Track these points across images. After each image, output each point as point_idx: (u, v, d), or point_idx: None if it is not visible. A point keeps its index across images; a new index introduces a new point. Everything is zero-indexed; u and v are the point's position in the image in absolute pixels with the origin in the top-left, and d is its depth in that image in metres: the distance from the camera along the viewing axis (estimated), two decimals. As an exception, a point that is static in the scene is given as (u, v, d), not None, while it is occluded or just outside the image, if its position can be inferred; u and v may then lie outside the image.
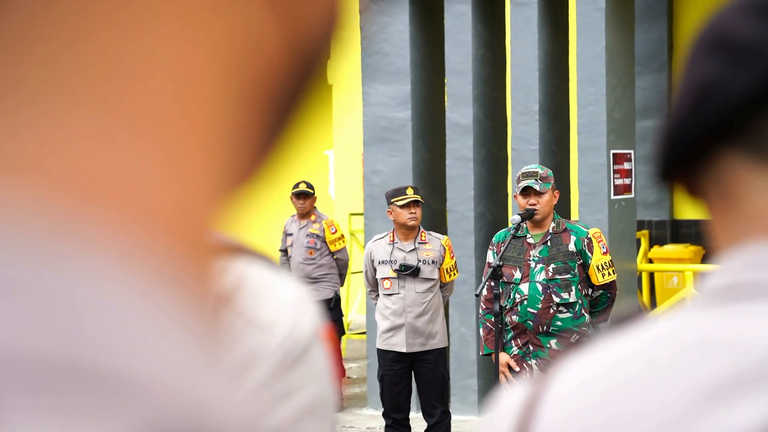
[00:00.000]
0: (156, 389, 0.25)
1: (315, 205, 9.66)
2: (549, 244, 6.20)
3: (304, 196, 9.42)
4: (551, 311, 6.12)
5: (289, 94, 0.34)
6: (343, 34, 0.36)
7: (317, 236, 9.43)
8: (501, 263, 6.16)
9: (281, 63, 0.32)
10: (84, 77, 0.27)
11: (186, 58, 0.29)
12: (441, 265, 7.03)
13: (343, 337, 10.62)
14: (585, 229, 6.25)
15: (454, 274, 7.16)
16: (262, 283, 0.82)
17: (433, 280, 7.01)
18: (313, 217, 9.52)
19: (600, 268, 6.16)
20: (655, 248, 12.35)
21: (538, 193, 6.20)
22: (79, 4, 0.28)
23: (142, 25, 0.28)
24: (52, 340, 0.25)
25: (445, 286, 7.13)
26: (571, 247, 6.16)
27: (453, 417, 7.67)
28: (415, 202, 6.95)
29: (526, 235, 6.26)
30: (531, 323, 6.14)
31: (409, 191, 6.98)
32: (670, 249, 12.22)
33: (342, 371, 10.04)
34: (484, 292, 6.27)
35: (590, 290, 6.22)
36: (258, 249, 0.85)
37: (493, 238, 6.45)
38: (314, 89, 0.36)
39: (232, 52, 0.30)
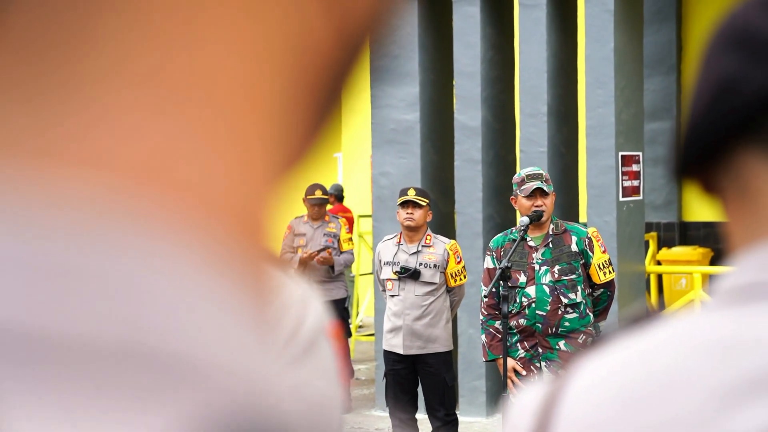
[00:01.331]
0: (218, 373, 0.26)
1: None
2: (551, 245, 6.20)
3: (321, 202, 9.41)
4: (560, 312, 6.12)
5: (335, 82, 0.35)
6: (388, 25, 0.36)
7: (334, 235, 9.43)
8: (510, 265, 6.15)
9: (330, 52, 0.33)
10: (153, 72, 0.28)
11: (246, 49, 0.30)
12: (445, 269, 7.00)
13: (351, 339, 10.62)
14: (584, 230, 6.28)
15: (462, 279, 7.10)
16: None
17: (434, 284, 6.97)
18: (327, 218, 9.52)
19: (601, 266, 6.19)
20: (664, 250, 12.33)
21: (545, 194, 6.20)
22: (136, 16, 0.28)
23: (206, 19, 0.29)
24: (114, 325, 0.25)
25: (452, 291, 7.10)
26: (574, 247, 6.17)
27: (461, 418, 7.66)
28: (414, 204, 6.92)
29: (526, 239, 6.25)
30: (540, 326, 6.14)
31: (410, 192, 6.96)
32: (679, 251, 12.20)
33: (350, 372, 10.04)
34: (485, 299, 6.26)
35: (591, 289, 6.25)
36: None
37: (491, 244, 6.43)
38: (356, 78, 0.37)
39: (287, 43, 0.31)
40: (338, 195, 13.76)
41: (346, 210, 13.84)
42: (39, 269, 0.25)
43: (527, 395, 0.85)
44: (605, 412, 0.77)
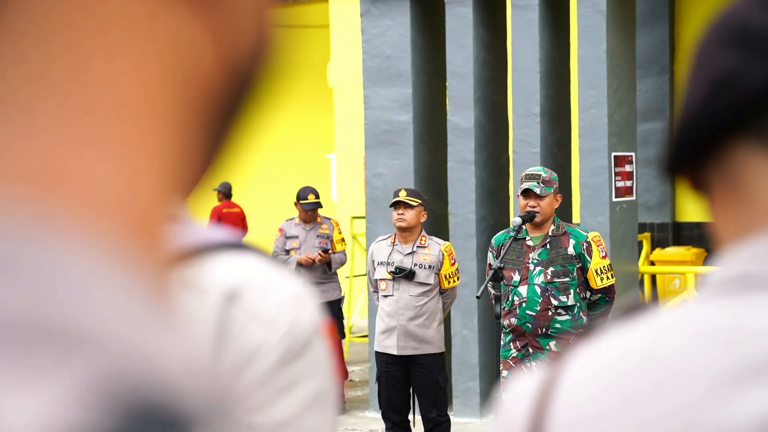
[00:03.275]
0: (106, 342, 0.29)
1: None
2: (548, 247, 6.19)
3: (313, 206, 9.42)
4: (549, 313, 6.12)
5: (226, 106, 0.39)
6: (273, 57, 0.41)
7: (327, 236, 9.44)
8: (502, 265, 6.16)
9: (217, 78, 0.38)
10: (45, 85, 0.33)
11: (133, 74, 0.34)
12: (439, 270, 7.00)
13: (345, 341, 10.61)
14: (584, 233, 6.23)
15: (455, 281, 7.10)
16: (263, 278, 0.84)
17: (428, 285, 6.97)
18: (318, 219, 9.53)
19: (599, 272, 6.15)
20: (657, 251, 12.35)
21: (539, 197, 6.20)
22: (44, 36, 0.33)
23: (95, 50, 0.34)
24: (10, 302, 0.29)
25: (445, 293, 7.10)
26: (570, 250, 6.15)
27: (455, 419, 7.67)
28: (405, 204, 6.92)
29: (525, 238, 6.25)
30: (530, 325, 6.14)
31: (402, 193, 6.97)
32: (672, 251, 12.22)
33: (345, 373, 10.04)
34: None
35: (588, 294, 6.22)
36: (258, 246, 0.86)
37: (492, 241, 6.44)
38: (251, 103, 0.41)
39: (173, 70, 0.35)
40: (226, 192, 13.83)
41: (234, 205, 13.86)
42: None
43: (522, 384, 0.85)
44: (604, 404, 0.77)
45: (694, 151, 0.83)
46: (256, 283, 0.83)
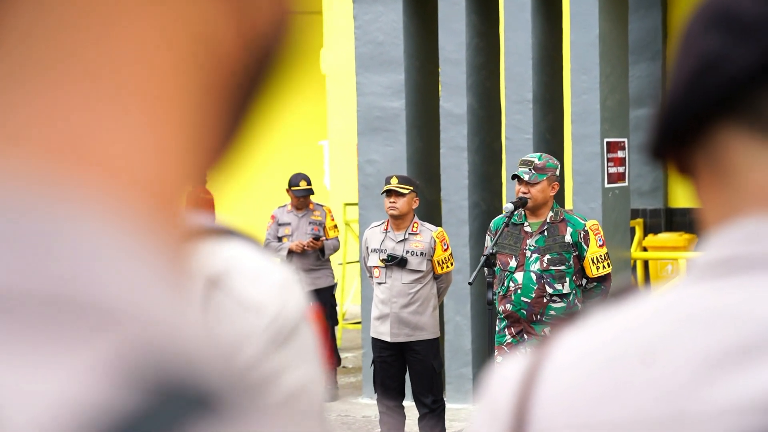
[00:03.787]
0: (133, 318, 0.29)
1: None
2: (546, 234, 6.18)
3: (305, 193, 9.41)
4: (544, 300, 6.12)
5: (245, 87, 0.39)
6: (292, 35, 0.41)
7: (320, 223, 9.43)
8: (495, 251, 6.16)
9: (237, 56, 0.38)
10: (73, 63, 0.33)
11: (160, 50, 0.34)
12: (432, 257, 7.00)
13: (338, 327, 10.62)
14: (582, 221, 6.21)
15: (449, 266, 7.10)
16: (251, 265, 0.83)
17: (420, 271, 6.98)
18: (311, 206, 9.53)
19: (595, 260, 6.14)
20: (650, 236, 12.36)
21: (528, 183, 6.18)
22: (74, 11, 0.33)
23: (123, 25, 0.34)
24: (34, 275, 0.28)
25: (439, 278, 7.11)
26: (567, 238, 6.14)
27: (448, 405, 7.68)
28: (396, 192, 6.91)
29: (523, 224, 6.25)
30: (524, 312, 6.15)
31: (393, 180, 6.96)
32: (665, 237, 12.24)
33: (337, 359, 10.04)
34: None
35: (585, 282, 6.21)
36: (247, 232, 0.86)
37: (491, 224, 6.42)
38: (272, 81, 0.41)
39: (197, 48, 0.36)
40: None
41: (208, 192, 13.81)
42: None
43: (508, 368, 0.85)
44: (589, 389, 0.77)
45: (680, 135, 0.83)
46: (243, 269, 0.83)
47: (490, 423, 0.84)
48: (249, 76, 0.39)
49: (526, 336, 6.18)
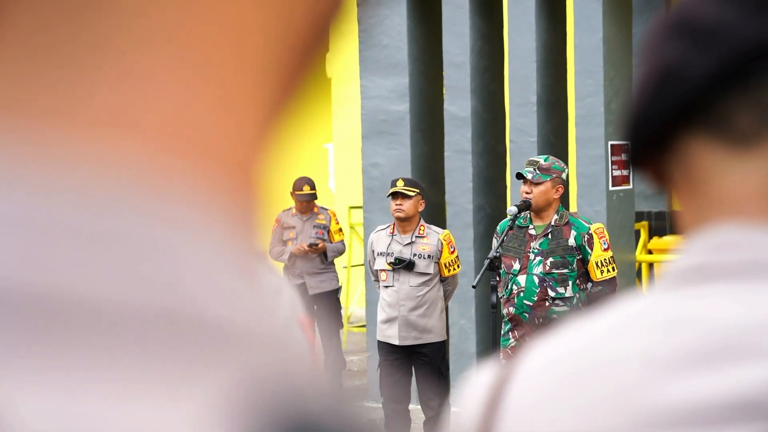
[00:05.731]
0: (248, 339, 0.26)
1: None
2: (549, 237, 6.16)
3: (309, 197, 9.41)
4: (547, 304, 6.10)
5: (305, 62, 0.37)
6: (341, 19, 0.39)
7: (324, 227, 9.43)
8: (498, 254, 6.15)
9: (305, 37, 0.36)
10: (165, 44, 0.29)
11: (245, 31, 0.32)
12: (439, 259, 7.00)
13: (343, 330, 10.62)
14: (587, 225, 6.16)
15: (456, 269, 7.10)
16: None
17: (428, 274, 6.97)
18: (315, 209, 9.52)
19: (599, 264, 6.09)
20: (655, 239, 12.35)
21: (532, 183, 6.17)
22: None
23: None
24: (147, 290, 0.25)
25: (446, 280, 7.10)
26: (571, 241, 6.11)
27: (452, 408, 7.68)
28: (402, 195, 6.90)
29: (528, 226, 6.23)
30: (527, 315, 6.13)
31: (399, 183, 6.95)
32: (670, 240, 12.23)
33: (343, 363, 10.04)
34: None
35: (589, 285, 6.18)
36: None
37: (498, 227, 6.41)
38: (316, 67, 0.39)
39: (276, 26, 0.33)
40: None
41: None
42: (49, 230, 0.25)
43: (479, 378, 0.86)
44: (551, 399, 0.78)
45: (651, 145, 0.83)
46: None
47: None
48: (307, 54, 0.37)
49: (529, 339, 6.14)
